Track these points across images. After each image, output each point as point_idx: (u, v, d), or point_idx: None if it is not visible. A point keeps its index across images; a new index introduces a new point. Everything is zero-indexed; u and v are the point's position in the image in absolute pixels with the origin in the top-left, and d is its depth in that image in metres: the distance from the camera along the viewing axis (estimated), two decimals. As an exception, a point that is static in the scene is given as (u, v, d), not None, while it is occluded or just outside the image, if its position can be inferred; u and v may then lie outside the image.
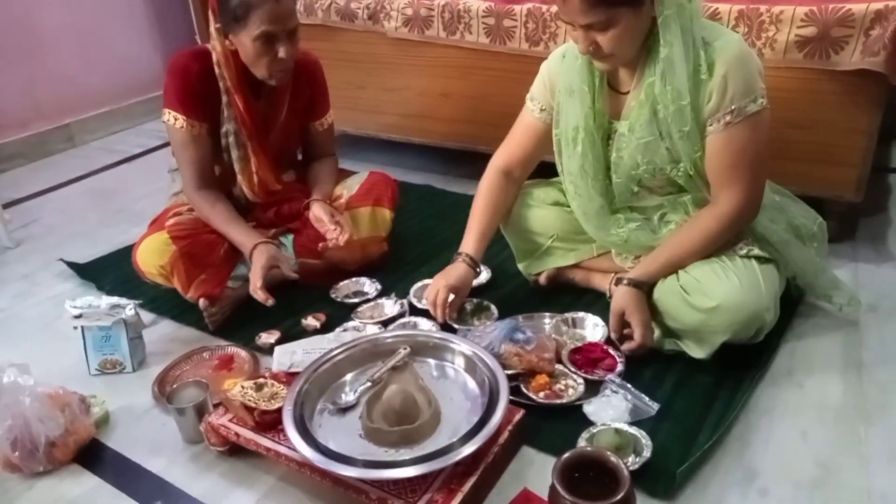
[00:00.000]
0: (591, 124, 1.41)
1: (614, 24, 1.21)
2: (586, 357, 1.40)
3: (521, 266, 1.72)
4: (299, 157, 1.97)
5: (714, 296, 1.30)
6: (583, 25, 1.24)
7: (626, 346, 1.37)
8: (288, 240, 1.79)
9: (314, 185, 1.81)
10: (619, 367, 1.36)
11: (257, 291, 1.53)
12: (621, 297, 1.37)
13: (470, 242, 1.55)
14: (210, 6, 1.56)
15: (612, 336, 1.39)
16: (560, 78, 1.45)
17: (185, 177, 1.68)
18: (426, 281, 1.73)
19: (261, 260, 1.56)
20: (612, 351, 1.41)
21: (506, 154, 1.59)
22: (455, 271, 1.52)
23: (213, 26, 1.56)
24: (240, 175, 1.70)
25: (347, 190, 1.84)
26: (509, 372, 1.29)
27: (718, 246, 1.36)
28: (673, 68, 1.25)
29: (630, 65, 1.34)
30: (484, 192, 1.58)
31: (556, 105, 1.47)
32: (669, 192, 1.44)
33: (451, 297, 1.51)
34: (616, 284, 1.40)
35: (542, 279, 1.69)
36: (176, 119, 1.63)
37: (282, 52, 1.53)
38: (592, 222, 1.51)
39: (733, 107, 1.26)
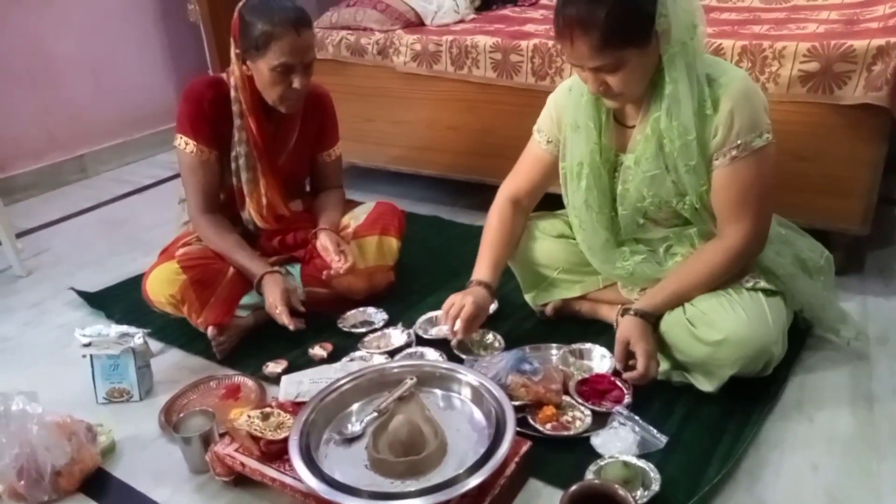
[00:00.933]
0: (597, 160, 1.41)
1: (623, 66, 1.22)
2: (593, 388, 1.40)
3: (527, 297, 1.72)
4: (307, 188, 2.00)
5: (721, 329, 1.29)
6: (591, 68, 1.25)
7: (629, 375, 1.35)
8: (295, 269, 1.80)
9: (321, 215, 1.83)
10: (627, 399, 1.35)
11: (283, 317, 1.56)
12: (626, 327, 1.36)
13: (483, 269, 1.53)
14: (232, 32, 1.61)
15: (618, 366, 1.38)
16: (566, 112, 1.46)
17: (192, 201, 1.72)
18: (432, 313, 1.74)
19: (278, 287, 1.59)
20: (619, 382, 1.40)
21: (514, 184, 1.60)
22: (475, 292, 1.49)
23: (233, 51, 1.62)
24: (248, 198, 1.72)
25: (354, 220, 1.86)
26: (516, 403, 1.28)
27: (724, 279, 1.35)
28: (678, 104, 1.26)
29: (636, 100, 1.36)
30: (495, 223, 1.58)
31: (562, 138, 1.49)
32: (675, 225, 1.44)
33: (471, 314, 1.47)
34: (622, 315, 1.39)
35: (549, 310, 1.69)
36: (187, 144, 1.67)
37: (296, 83, 1.58)
38: (598, 256, 1.51)
39: (739, 141, 1.27)
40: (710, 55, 1.44)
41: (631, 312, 1.37)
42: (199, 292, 1.61)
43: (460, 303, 1.47)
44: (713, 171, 1.31)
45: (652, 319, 1.37)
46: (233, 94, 1.65)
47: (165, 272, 1.65)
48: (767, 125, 1.29)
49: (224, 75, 1.68)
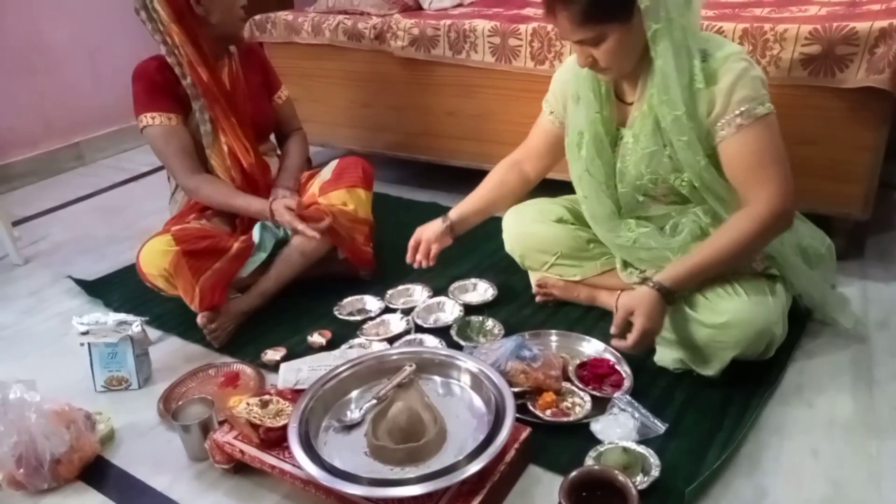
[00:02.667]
0: (600, 130, 1.42)
1: (605, 40, 1.24)
2: (593, 372, 1.40)
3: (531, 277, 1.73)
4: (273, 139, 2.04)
5: (723, 311, 1.29)
6: (575, 42, 1.27)
7: (616, 343, 1.31)
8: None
9: (279, 173, 1.89)
10: (627, 384, 1.35)
11: (307, 231, 1.62)
12: (635, 297, 1.29)
13: (455, 210, 1.64)
14: None
15: (612, 331, 1.31)
16: (569, 86, 1.47)
17: (177, 169, 1.74)
18: (431, 300, 1.74)
19: (288, 210, 1.64)
20: (618, 367, 1.40)
21: (523, 149, 1.64)
22: (432, 226, 1.62)
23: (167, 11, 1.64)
24: (208, 150, 1.75)
25: (320, 179, 1.88)
26: (516, 389, 1.28)
27: (755, 252, 1.32)
28: (666, 79, 1.26)
29: (632, 76, 1.36)
30: (490, 176, 1.65)
31: (566, 112, 1.50)
32: (674, 202, 1.43)
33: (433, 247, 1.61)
34: (641, 282, 1.35)
35: (540, 285, 1.69)
36: (153, 118, 1.71)
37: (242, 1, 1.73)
38: (603, 225, 1.51)
39: (742, 109, 1.25)
40: (707, 32, 1.42)
41: (650, 284, 1.30)
42: (191, 265, 1.59)
43: (416, 240, 1.63)
44: (719, 144, 1.29)
45: (666, 292, 1.28)
46: (170, 60, 1.69)
47: (158, 244, 1.63)
48: (767, 96, 1.27)
49: (160, 48, 1.71)
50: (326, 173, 1.89)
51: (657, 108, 1.30)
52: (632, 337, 1.27)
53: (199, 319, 1.60)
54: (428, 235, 1.61)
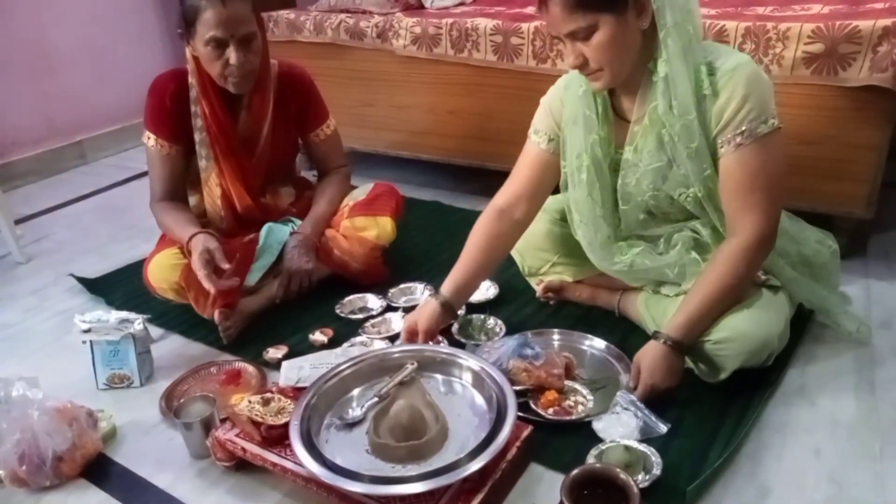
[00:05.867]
0: (598, 153, 1.38)
1: (596, 31, 1.20)
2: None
3: (530, 280, 1.72)
4: (300, 174, 1.98)
5: (724, 326, 1.28)
6: (566, 35, 1.23)
7: (627, 391, 1.32)
8: (296, 223, 1.81)
9: (306, 219, 1.79)
10: (630, 383, 1.34)
11: (204, 282, 1.49)
12: (644, 352, 1.31)
13: (447, 282, 1.47)
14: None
15: (630, 384, 1.33)
16: (565, 108, 1.42)
17: (152, 190, 1.72)
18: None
19: (196, 250, 1.52)
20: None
21: (508, 192, 1.49)
22: (425, 312, 1.44)
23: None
24: (204, 185, 1.71)
25: (352, 199, 1.86)
26: (518, 388, 1.28)
27: (749, 280, 1.31)
28: (675, 84, 1.23)
29: (631, 91, 1.32)
30: (476, 233, 1.49)
31: (562, 136, 1.45)
32: (677, 220, 1.42)
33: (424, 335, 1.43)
34: (654, 337, 1.32)
35: (546, 288, 1.68)
36: (149, 138, 1.68)
37: (232, 59, 1.53)
38: (597, 253, 1.48)
39: (744, 128, 1.23)
40: (711, 42, 1.38)
41: (661, 339, 1.29)
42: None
43: (409, 332, 1.44)
44: (720, 159, 1.28)
45: (674, 343, 1.28)
46: (189, 80, 1.63)
47: (166, 258, 1.65)
48: (773, 111, 1.25)
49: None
50: (360, 194, 1.87)
51: (664, 118, 1.27)
52: (638, 391, 1.29)
53: (217, 317, 1.60)
54: (424, 326, 1.42)
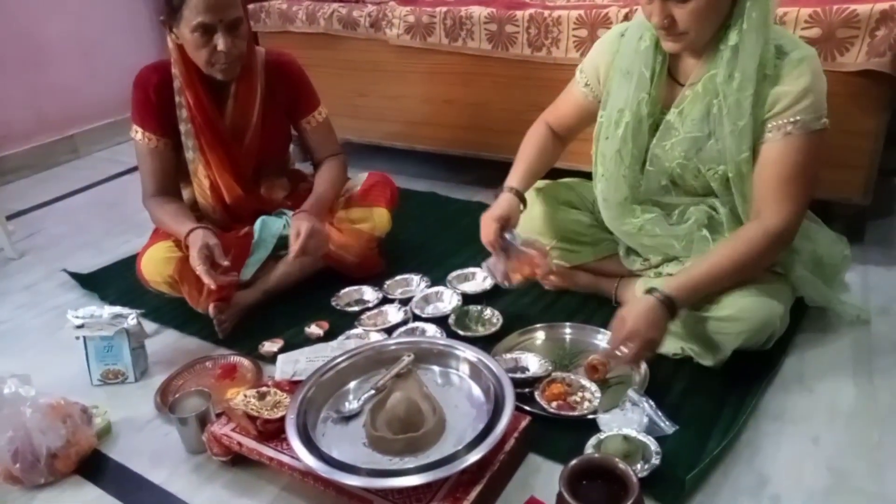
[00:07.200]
0: (644, 111, 1.35)
1: None
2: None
3: None
4: (294, 166, 1.96)
5: (726, 304, 1.28)
6: None
7: (609, 355, 1.30)
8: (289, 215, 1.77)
9: (309, 198, 1.72)
10: (642, 380, 1.32)
11: (203, 277, 1.47)
12: (637, 304, 1.25)
13: (516, 177, 1.49)
14: None
15: (611, 344, 1.29)
16: (617, 57, 1.39)
17: (143, 185, 1.70)
18: (428, 290, 1.73)
19: (196, 245, 1.50)
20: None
21: (553, 115, 1.57)
22: (501, 202, 1.45)
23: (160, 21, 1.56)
24: (192, 177, 1.69)
25: (347, 192, 1.84)
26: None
27: (759, 268, 1.29)
28: (744, 57, 1.20)
29: (697, 53, 1.30)
30: (533, 137, 1.55)
31: (604, 85, 1.43)
32: (696, 194, 1.40)
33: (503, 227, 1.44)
34: (647, 292, 1.27)
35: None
36: (136, 132, 1.66)
37: (220, 45, 1.51)
38: (611, 210, 1.46)
39: (798, 118, 1.21)
40: (779, 26, 1.33)
41: (656, 294, 1.24)
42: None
43: (484, 227, 1.44)
44: (763, 143, 1.25)
45: (669, 303, 1.23)
46: (173, 70, 1.60)
47: (160, 251, 1.63)
48: (826, 110, 1.24)
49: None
50: (354, 184, 1.86)
51: (721, 87, 1.24)
52: (630, 353, 1.23)
53: (211, 311, 1.58)
54: (506, 213, 1.43)
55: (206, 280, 1.47)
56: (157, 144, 1.66)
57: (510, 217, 1.44)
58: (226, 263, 1.52)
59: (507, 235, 1.35)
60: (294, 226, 1.59)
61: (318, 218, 1.66)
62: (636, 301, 1.28)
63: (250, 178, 1.75)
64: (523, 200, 1.49)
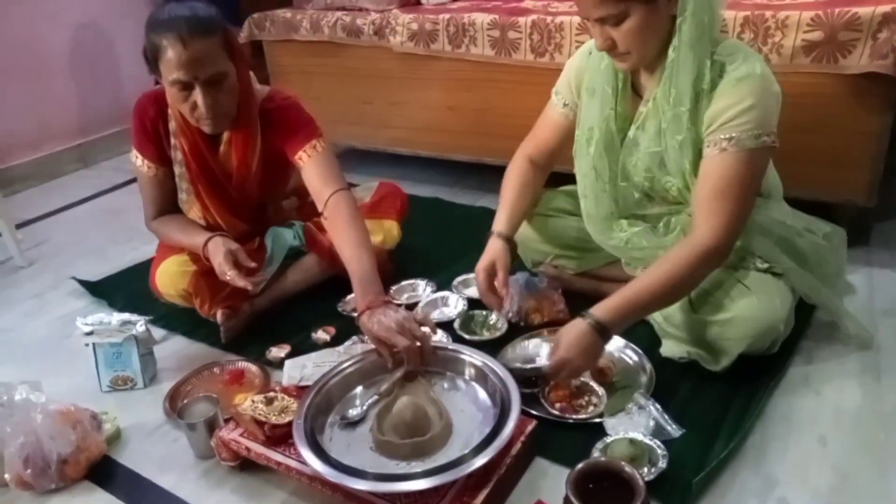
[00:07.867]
0: (612, 127, 1.37)
1: (627, 19, 1.19)
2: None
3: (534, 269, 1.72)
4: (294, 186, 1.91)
5: (729, 308, 1.28)
6: (596, 19, 1.22)
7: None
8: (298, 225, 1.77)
9: (355, 287, 1.40)
10: (649, 383, 1.32)
11: (236, 280, 1.45)
12: (568, 328, 1.23)
13: (501, 221, 1.51)
14: None
15: (549, 360, 1.25)
16: (585, 75, 1.42)
17: (145, 209, 1.69)
18: (434, 295, 1.73)
19: (220, 251, 1.49)
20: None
21: (532, 144, 1.57)
22: (488, 250, 1.47)
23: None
24: (188, 213, 1.68)
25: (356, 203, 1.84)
26: (529, 366, 1.31)
27: (689, 285, 1.26)
28: (677, 72, 1.23)
29: (651, 69, 1.32)
30: (513, 176, 1.55)
31: (579, 103, 1.45)
32: (675, 202, 1.41)
33: (499, 274, 1.44)
34: (580, 316, 1.24)
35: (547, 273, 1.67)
36: (137, 157, 1.64)
37: (199, 102, 1.41)
38: (597, 226, 1.48)
39: (733, 135, 1.21)
40: (735, 41, 1.34)
41: (587, 318, 1.22)
42: (210, 284, 1.60)
43: (484, 268, 1.45)
44: (703, 159, 1.26)
45: (599, 326, 1.20)
46: (169, 110, 1.56)
47: (174, 265, 1.64)
48: (772, 129, 1.23)
49: None
50: (364, 194, 1.84)
51: (660, 103, 1.27)
52: (562, 374, 1.24)
53: (219, 316, 1.60)
54: (502, 262, 1.44)
55: (241, 284, 1.45)
56: (156, 172, 1.63)
57: (495, 263, 1.44)
58: (252, 265, 1.51)
59: (520, 279, 1.34)
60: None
61: (379, 295, 1.34)
62: (570, 326, 1.24)
63: (253, 213, 1.72)
64: (510, 240, 1.49)
